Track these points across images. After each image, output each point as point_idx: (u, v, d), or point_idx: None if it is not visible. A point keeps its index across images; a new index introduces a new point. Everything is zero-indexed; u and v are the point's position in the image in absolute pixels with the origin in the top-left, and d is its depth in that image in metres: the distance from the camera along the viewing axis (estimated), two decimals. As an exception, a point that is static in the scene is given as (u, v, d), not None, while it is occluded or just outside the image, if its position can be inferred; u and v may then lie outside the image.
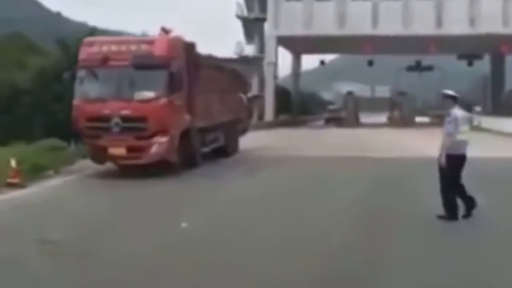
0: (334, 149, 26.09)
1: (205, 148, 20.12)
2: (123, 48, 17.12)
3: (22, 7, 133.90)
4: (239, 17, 56.85)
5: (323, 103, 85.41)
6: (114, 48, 17.17)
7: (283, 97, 58.43)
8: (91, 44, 17.56)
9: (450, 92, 10.74)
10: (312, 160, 21.71)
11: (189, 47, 18.53)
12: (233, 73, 24.33)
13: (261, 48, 55.69)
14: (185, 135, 17.83)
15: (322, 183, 15.98)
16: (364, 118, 60.75)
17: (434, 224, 10.48)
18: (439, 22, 50.82)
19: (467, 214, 10.61)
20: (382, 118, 61.65)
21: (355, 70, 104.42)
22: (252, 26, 56.62)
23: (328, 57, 69.33)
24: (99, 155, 17.19)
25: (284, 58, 71.47)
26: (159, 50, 16.98)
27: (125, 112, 16.65)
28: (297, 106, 63.29)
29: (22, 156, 16.03)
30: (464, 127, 10.53)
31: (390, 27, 49.61)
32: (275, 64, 54.07)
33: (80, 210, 12.26)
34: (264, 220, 11.02)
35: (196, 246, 9.17)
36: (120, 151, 16.86)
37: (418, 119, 57.99)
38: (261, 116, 53.51)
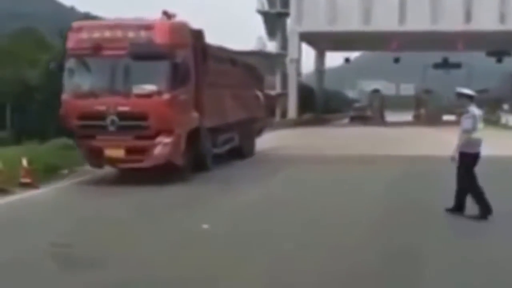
0: (362, 148, 24.36)
1: (217, 149, 17.49)
2: (119, 34, 14.43)
3: (36, 2, 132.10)
4: (260, 12, 53.93)
5: (347, 101, 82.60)
6: (107, 34, 14.50)
7: (307, 95, 56.04)
8: (80, 29, 14.82)
9: (465, 90, 10.60)
10: (338, 160, 19.98)
11: (197, 34, 15.88)
12: (248, 68, 21.55)
13: (284, 45, 53.06)
14: (193, 135, 15.23)
15: (349, 183, 14.76)
16: (389, 116, 58.52)
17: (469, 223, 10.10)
18: (468, 17, 48.09)
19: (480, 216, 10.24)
20: (408, 116, 59.21)
21: (380, 67, 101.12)
22: (274, 22, 53.75)
23: (352, 54, 66.04)
24: (95, 157, 14.63)
25: (308, 55, 68.52)
26: (160, 37, 14.31)
27: (122, 108, 14.05)
28: (321, 104, 60.73)
29: (35, 155, 14.83)
30: (480, 125, 10.37)
31: (418, 23, 46.85)
32: (298, 61, 51.50)
33: (93, 213, 11.29)
34: (284, 223, 10.16)
35: (222, 247, 8.55)
36: (118, 153, 14.28)
37: (445, 117, 55.26)
38: (284, 114, 51.66)
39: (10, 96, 31.39)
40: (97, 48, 14.31)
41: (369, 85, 71.19)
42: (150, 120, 14.04)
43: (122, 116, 14.03)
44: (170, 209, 11.52)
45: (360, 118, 53.01)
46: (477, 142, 10.38)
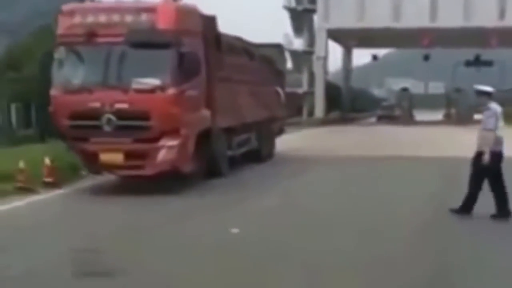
0: (391, 148, 22.00)
1: (232, 152, 15.09)
2: (116, 18, 12.03)
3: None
4: (287, 8, 51.09)
5: (373, 99, 79.57)
6: (103, 18, 12.10)
7: (333, 94, 53.41)
8: (71, 13, 12.39)
9: (484, 88, 10.01)
10: (366, 162, 17.93)
11: (208, 21, 13.47)
12: (267, 62, 18.93)
13: (311, 42, 50.36)
14: (204, 136, 12.83)
15: (379, 189, 12.97)
16: (418, 115, 55.65)
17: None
18: (502, 13, 44.86)
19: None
20: (437, 115, 56.31)
21: (407, 65, 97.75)
22: (301, 18, 50.94)
23: (380, 52, 62.95)
24: (90, 163, 12.31)
25: (335, 53, 65.55)
26: (164, 21, 11.90)
27: (120, 105, 11.73)
28: (347, 103, 57.96)
29: (58, 154, 13.43)
30: (501, 123, 9.84)
31: (450, 19, 43.71)
32: (325, 59, 48.93)
33: (116, 216, 10.29)
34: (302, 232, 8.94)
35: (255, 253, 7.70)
36: (115, 158, 11.95)
37: (476, 116, 52.13)
38: (310, 113, 49.25)
39: (35, 94, 29.89)
40: (90, 35, 11.99)
41: (397, 84, 68.47)
42: (152, 120, 11.70)
43: (120, 114, 11.72)
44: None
45: (388, 117, 50.21)
46: (501, 140, 9.87)
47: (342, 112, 54.38)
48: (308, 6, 49.82)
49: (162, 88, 11.71)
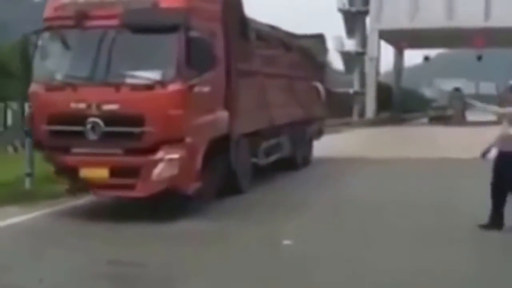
0: (451, 149, 18.56)
1: (259, 161, 11.52)
2: None
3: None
4: (341, 10, 47.64)
5: (424, 100, 74.36)
6: None
7: (384, 94, 49.41)
8: None
9: None
10: (424, 166, 14.64)
11: (231, 0, 9.94)
12: (307, 54, 15.09)
13: (363, 43, 46.75)
14: (220, 145, 9.33)
15: (437, 198, 10.34)
16: (470, 115, 50.76)
17: None
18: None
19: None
20: (489, 116, 51.14)
21: (458, 65, 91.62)
22: (354, 20, 47.45)
23: (431, 52, 57.93)
24: (69, 179, 8.89)
25: (386, 53, 61.23)
26: None
27: (109, 106, 8.38)
28: (398, 103, 53.63)
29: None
30: None
31: (504, 19, 38.89)
32: (377, 60, 45.55)
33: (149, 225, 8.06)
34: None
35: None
36: (99, 174, 8.50)
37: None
38: (361, 114, 45.60)
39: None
40: (80, 17, 8.66)
41: (447, 84, 63.35)
42: (148, 125, 8.28)
43: (109, 118, 8.40)
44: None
45: (440, 118, 45.58)
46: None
47: (392, 112, 50.18)
48: (361, 7, 46.58)
49: (162, 84, 8.30)
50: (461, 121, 43.84)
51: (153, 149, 8.32)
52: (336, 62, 48.65)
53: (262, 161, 11.63)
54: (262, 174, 11.78)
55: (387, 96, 51.16)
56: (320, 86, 15.73)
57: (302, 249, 7.02)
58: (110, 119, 8.32)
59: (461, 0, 41.52)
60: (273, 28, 12.80)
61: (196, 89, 8.61)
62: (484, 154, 8.30)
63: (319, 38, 15.97)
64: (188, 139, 8.45)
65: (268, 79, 11.88)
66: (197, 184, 8.72)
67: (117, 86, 8.34)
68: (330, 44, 49.01)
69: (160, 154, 8.30)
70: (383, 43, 47.61)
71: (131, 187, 8.39)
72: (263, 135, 11.61)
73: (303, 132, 14.51)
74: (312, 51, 15.16)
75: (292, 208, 9.47)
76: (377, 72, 47.73)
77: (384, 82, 55.47)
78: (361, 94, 46.91)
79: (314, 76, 15.52)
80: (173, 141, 8.35)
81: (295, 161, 13.92)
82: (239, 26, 10.32)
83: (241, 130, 10.23)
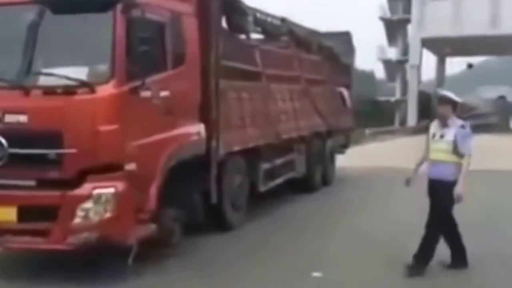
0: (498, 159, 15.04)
1: (258, 184, 8.26)
2: None
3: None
4: (382, 19, 44.04)
5: (466, 108, 69.15)
6: None
7: (426, 102, 45.63)
8: None
9: None
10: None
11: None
12: (328, 55, 11.55)
13: (404, 51, 43.01)
14: (191, 170, 6.13)
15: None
16: (513, 124, 46.26)
17: None
18: None
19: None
20: (533, 124, 46.57)
21: (501, 73, 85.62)
22: (395, 28, 43.84)
23: (475, 60, 53.26)
24: None
25: (428, 61, 56.90)
26: None
27: (15, 117, 5.28)
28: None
29: None
30: None
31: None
32: (418, 67, 41.55)
33: None
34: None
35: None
36: (3, 215, 5.42)
37: None
38: (403, 122, 41.95)
39: None
40: None
41: (490, 92, 58.24)
42: (68, 145, 5.24)
43: (15, 135, 5.32)
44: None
45: (483, 126, 41.26)
46: None
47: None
48: (403, 15, 42.69)
49: (89, 86, 5.19)
50: (506, 129, 39.67)
51: (76, 181, 5.22)
52: (378, 70, 45.35)
53: (264, 185, 8.33)
54: (263, 199, 8.55)
55: (427, 104, 47.45)
56: (345, 91, 12.29)
57: None
58: (17, 136, 5.27)
59: (505, 7, 37.28)
60: (284, 21, 9.48)
61: (144, 93, 5.47)
62: None
63: (345, 36, 12.41)
64: (128, 166, 5.31)
65: (275, 83, 8.69)
66: (146, 229, 5.55)
67: (26, 89, 5.29)
68: (373, 53, 46.22)
69: (85, 188, 5.22)
70: (425, 51, 43.75)
71: (46, 234, 5.32)
72: (266, 152, 8.38)
73: (322, 147, 11.17)
74: (336, 51, 11.69)
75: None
76: (419, 80, 43.98)
77: (426, 90, 51.50)
78: (402, 102, 43.41)
79: (338, 80, 12.12)
80: (106, 169, 5.22)
81: (312, 181, 10.63)
82: (229, 12, 7.16)
83: (228, 148, 7.06)
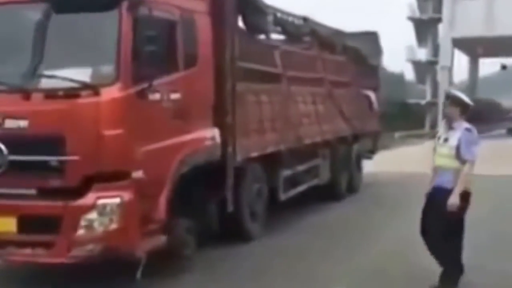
0: None
1: (279, 192, 7.86)
2: None
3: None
4: (411, 19, 43.12)
5: (501, 110, 67.50)
6: None
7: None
8: None
9: None
10: None
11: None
12: (354, 56, 11.04)
13: (435, 52, 42.17)
14: (205, 177, 5.82)
15: None
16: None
17: None
18: None
19: None
20: None
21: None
22: (425, 28, 42.79)
23: (509, 61, 51.92)
24: None
25: (459, 62, 55.60)
26: None
27: (15, 122, 5.01)
28: (470, 114, 48.33)
29: None
30: None
31: None
32: (450, 69, 40.42)
33: None
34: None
35: None
36: (3, 226, 5.13)
37: None
38: (433, 125, 41.09)
39: None
40: None
41: (524, 94, 56.84)
42: (71, 151, 4.93)
43: (15, 140, 5.04)
44: None
45: (520, 129, 40.08)
46: None
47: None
48: (433, 15, 41.69)
49: (94, 88, 4.89)
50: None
51: (79, 189, 4.93)
52: (408, 72, 44.48)
53: (285, 193, 7.94)
54: (285, 208, 8.17)
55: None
56: (372, 94, 11.78)
57: None
58: (17, 142, 5.01)
59: (543, 5, 36.24)
60: (306, 21, 9.09)
61: (152, 96, 5.16)
62: None
63: (372, 36, 11.94)
64: (136, 174, 5.00)
65: (296, 85, 8.30)
66: (156, 241, 5.24)
67: (27, 92, 5.02)
68: (403, 54, 45.37)
69: (89, 198, 4.92)
70: (456, 51, 42.77)
71: (48, 246, 5.03)
72: (286, 158, 7.98)
73: (348, 152, 10.71)
74: (362, 52, 11.21)
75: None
76: (451, 82, 42.95)
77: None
78: (433, 104, 42.11)
79: (364, 82, 11.60)
80: (111, 177, 4.92)
81: (337, 189, 10.20)
82: (246, 11, 6.84)
83: (245, 153, 6.70)
